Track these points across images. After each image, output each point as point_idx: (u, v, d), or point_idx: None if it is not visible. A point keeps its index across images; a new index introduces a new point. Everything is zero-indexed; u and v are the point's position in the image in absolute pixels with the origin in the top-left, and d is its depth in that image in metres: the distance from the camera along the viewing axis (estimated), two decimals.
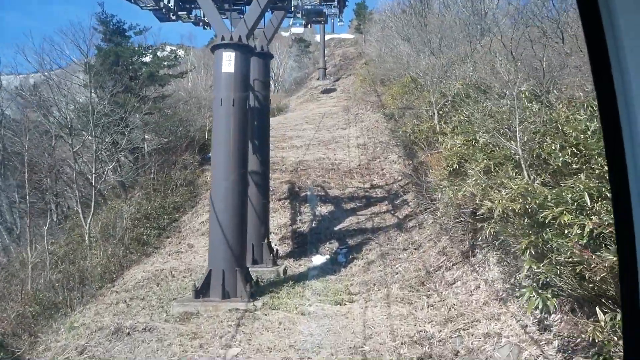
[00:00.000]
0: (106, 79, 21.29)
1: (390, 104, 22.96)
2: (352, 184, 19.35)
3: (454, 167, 8.67)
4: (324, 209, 17.54)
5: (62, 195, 25.26)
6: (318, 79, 43.82)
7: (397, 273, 11.39)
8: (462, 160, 8.65)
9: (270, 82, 49.27)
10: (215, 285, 10.03)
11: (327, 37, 50.87)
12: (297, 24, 45.45)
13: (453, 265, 10.30)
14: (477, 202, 7.48)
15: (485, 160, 7.59)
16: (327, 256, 14.43)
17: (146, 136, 24.73)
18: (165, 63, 24.47)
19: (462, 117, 12.41)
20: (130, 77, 22.35)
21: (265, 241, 13.44)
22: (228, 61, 10.31)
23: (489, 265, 9.17)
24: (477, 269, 9.35)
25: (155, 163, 22.65)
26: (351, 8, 62.75)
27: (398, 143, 20.20)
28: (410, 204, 16.06)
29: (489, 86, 13.00)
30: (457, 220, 10.75)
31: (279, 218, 17.01)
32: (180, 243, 17.00)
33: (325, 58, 46.53)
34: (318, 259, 14.23)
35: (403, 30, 23.86)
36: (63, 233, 20.64)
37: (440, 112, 14.52)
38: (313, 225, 16.57)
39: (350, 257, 13.90)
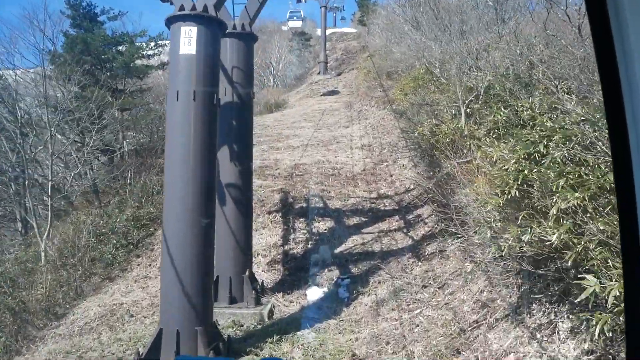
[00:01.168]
0: (73, 70, 18.47)
1: (399, 99, 20.05)
2: (355, 193, 16.50)
3: (512, 195, 5.79)
4: (323, 225, 14.68)
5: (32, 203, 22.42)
6: (319, 73, 40.93)
7: (418, 325, 8.53)
8: (525, 185, 5.77)
9: (270, 77, 46.96)
10: (167, 350, 7.20)
11: (328, 31, 48.01)
12: (295, 17, 42.15)
13: (497, 322, 7.46)
14: (563, 260, 4.64)
15: (573, 192, 4.72)
16: (326, 289, 11.60)
17: (125, 134, 21.96)
18: (145, 52, 21.56)
19: (500, 117, 9.56)
20: (103, 67, 19.51)
21: (247, 273, 10.59)
22: (187, 39, 7.44)
23: (557, 334, 6.32)
24: (538, 337, 6.50)
25: (132, 166, 19.87)
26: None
27: (410, 145, 17.32)
28: (427, 221, 13.20)
29: (533, 78, 10.19)
30: (501, 256, 7.93)
31: (268, 236, 14.16)
32: (150, 265, 14.18)
33: (327, 52, 43.53)
34: (314, 293, 11.41)
35: (414, 15, 20.89)
36: (23, 249, 17.92)
37: (468, 110, 11.66)
38: (309, 246, 13.72)
39: (355, 291, 11.07)
